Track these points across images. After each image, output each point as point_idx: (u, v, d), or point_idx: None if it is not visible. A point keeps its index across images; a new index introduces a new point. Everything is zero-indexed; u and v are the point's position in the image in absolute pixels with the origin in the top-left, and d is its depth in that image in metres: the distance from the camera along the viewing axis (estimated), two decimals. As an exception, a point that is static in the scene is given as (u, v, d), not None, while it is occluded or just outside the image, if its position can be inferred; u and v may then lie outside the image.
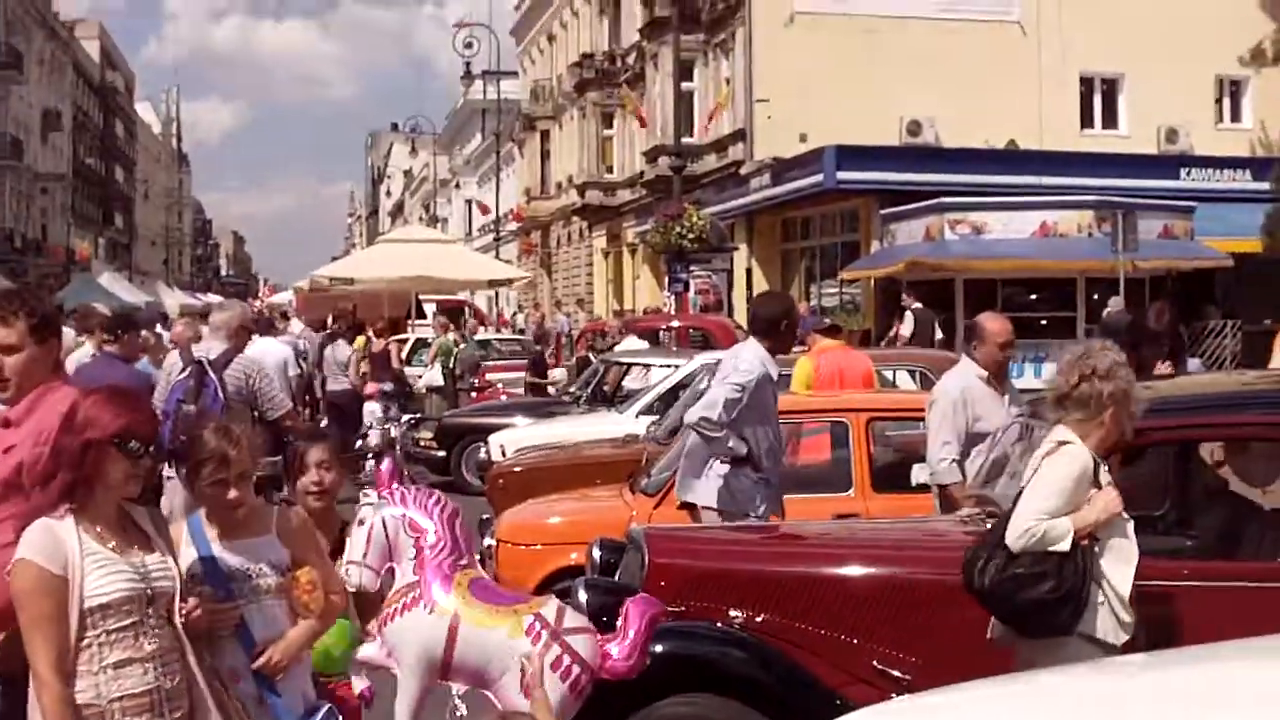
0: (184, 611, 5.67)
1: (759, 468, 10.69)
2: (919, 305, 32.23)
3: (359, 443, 16.86)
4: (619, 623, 6.87)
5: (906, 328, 32.59)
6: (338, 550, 6.96)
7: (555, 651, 6.68)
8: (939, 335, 32.34)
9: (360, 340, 32.79)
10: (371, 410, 23.50)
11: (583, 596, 7.85)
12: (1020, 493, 7.08)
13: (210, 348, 13.10)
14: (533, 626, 6.69)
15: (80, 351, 15.41)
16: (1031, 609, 6.81)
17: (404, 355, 32.82)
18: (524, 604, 6.87)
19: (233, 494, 6.12)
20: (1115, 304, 30.98)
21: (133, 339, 14.75)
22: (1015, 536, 6.81)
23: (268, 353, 20.19)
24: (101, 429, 5.49)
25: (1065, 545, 6.76)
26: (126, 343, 14.48)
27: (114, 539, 5.57)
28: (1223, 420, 7.87)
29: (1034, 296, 36.99)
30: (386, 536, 6.79)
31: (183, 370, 12.75)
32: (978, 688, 5.06)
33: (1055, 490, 6.85)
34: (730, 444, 10.59)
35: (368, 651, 6.82)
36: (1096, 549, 6.87)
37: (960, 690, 5.05)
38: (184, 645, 5.67)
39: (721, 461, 10.67)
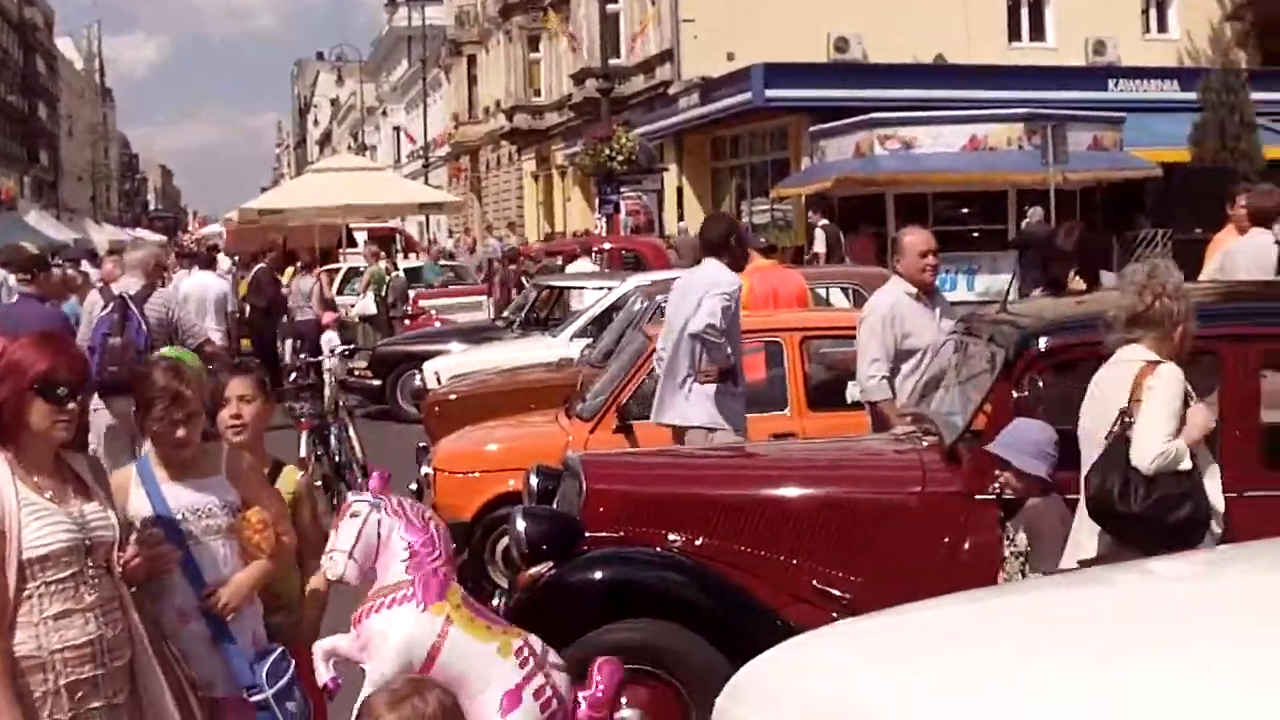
0: (122, 560, 5.58)
1: (738, 382, 10.76)
2: (825, 221, 32.33)
3: (294, 375, 16.77)
4: (590, 676, 6.68)
5: (819, 244, 32.76)
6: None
7: (539, 681, 6.53)
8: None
9: (289, 271, 32.79)
10: (329, 339, 23.50)
11: (521, 525, 7.81)
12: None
13: (128, 284, 13.35)
14: (521, 650, 6.52)
15: None
16: (1178, 529, 6.74)
17: (336, 285, 32.67)
18: (513, 629, 6.71)
19: (181, 432, 6.05)
20: (1035, 214, 31.17)
21: (48, 277, 14.73)
22: (1149, 460, 6.67)
23: (207, 286, 21.31)
24: (21, 374, 5.32)
25: (1187, 464, 6.75)
26: (42, 281, 14.45)
27: (51, 488, 5.41)
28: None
29: (965, 210, 37.12)
30: (379, 535, 6.47)
31: (105, 306, 13.08)
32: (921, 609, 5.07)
33: (1170, 410, 6.77)
34: (728, 351, 10.70)
35: (338, 642, 6.57)
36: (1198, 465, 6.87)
37: (903, 612, 5.04)
38: (123, 594, 5.56)
39: (702, 381, 10.70)
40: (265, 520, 6.30)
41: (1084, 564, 7.00)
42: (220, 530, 6.15)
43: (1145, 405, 6.77)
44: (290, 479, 6.87)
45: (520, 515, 7.97)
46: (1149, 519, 6.71)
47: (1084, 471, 6.93)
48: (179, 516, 6.05)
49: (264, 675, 6.21)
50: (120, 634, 5.48)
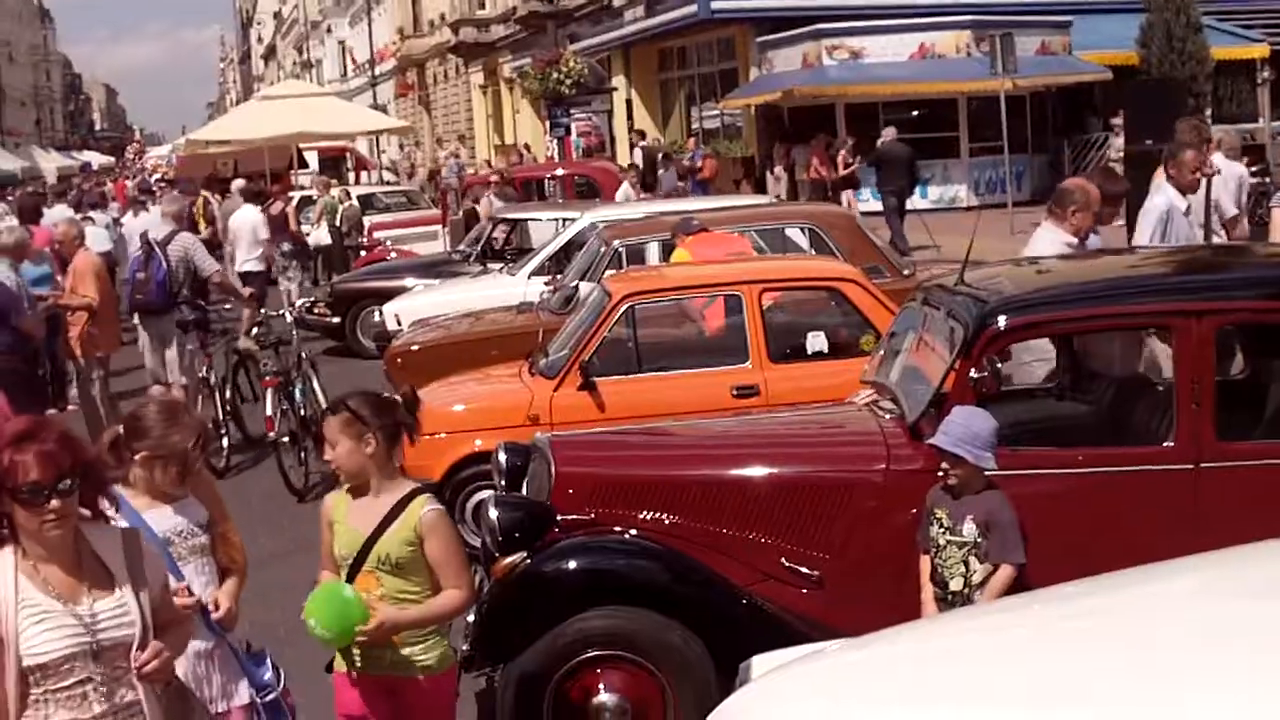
0: (138, 664, 5.06)
1: None
2: (644, 142, 33.06)
3: (255, 329, 16.84)
4: None
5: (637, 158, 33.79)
6: (388, 521, 6.49)
7: None
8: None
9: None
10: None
11: (494, 514, 7.91)
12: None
13: (160, 230, 16.94)
14: None
15: None
16: None
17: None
18: None
19: (170, 475, 6.17)
20: (889, 134, 31.53)
21: None
22: None
23: (244, 220, 24.64)
24: None
25: None
26: None
27: (61, 586, 5.00)
28: (1111, 311, 8.00)
29: (915, 114, 37.30)
30: None
31: (139, 248, 16.70)
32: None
33: None
34: None
35: None
36: None
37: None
38: (142, 697, 5.11)
39: None
40: (237, 535, 6.49)
41: None
42: (203, 549, 6.26)
43: None
44: (418, 509, 6.50)
45: (493, 504, 8.06)
46: None
47: None
48: (166, 540, 6.12)
49: (270, 676, 6.41)
50: None
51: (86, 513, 5.11)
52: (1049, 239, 11.05)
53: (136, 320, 17.12)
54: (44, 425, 5.03)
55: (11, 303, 14.25)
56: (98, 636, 4.97)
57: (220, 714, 6.23)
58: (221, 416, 15.94)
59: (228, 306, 19.01)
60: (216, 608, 6.23)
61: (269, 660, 6.56)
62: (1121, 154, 25.85)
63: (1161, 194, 12.18)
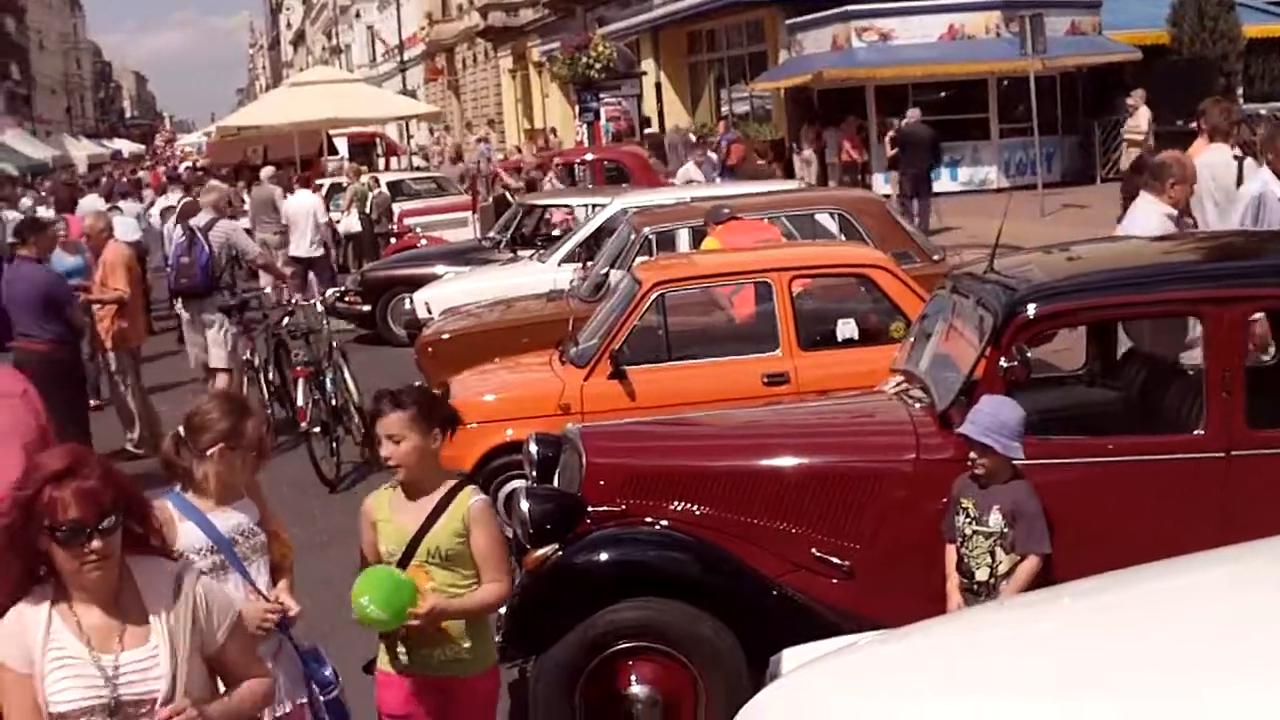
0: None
1: None
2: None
3: (285, 319, 16.88)
4: None
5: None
6: (437, 514, 6.46)
7: None
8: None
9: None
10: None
11: (525, 507, 7.92)
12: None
13: (202, 218, 17.20)
14: None
15: None
16: None
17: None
18: None
19: (238, 467, 6.23)
20: (913, 115, 31.46)
21: (40, 239, 14.94)
22: None
23: (301, 205, 26.31)
24: (29, 519, 4.61)
25: None
26: (34, 245, 14.71)
27: (96, 631, 4.68)
28: (1141, 299, 7.97)
29: (944, 95, 37.27)
30: None
31: (181, 235, 17.28)
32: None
33: None
34: None
35: None
36: None
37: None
38: None
39: None
40: (285, 531, 6.53)
41: None
42: (263, 548, 6.33)
43: None
44: (465, 500, 6.49)
45: (524, 496, 8.07)
46: None
47: None
48: (231, 541, 6.18)
49: (329, 674, 6.44)
50: None
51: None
52: (1149, 211, 11.19)
53: (179, 306, 17.55)
54: (84, 459, 4.70)
55: (66, 294, 14.40)
56: (118, 690, 4.66)
57: (284, 715, 6.27)
58: (266, 399, 16.11)
59: (266, 291, 19.29)
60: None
61: (329, 661, 6.59)
62: (1133, 135, 25.76)
63: (1257, 179, 12.14)
